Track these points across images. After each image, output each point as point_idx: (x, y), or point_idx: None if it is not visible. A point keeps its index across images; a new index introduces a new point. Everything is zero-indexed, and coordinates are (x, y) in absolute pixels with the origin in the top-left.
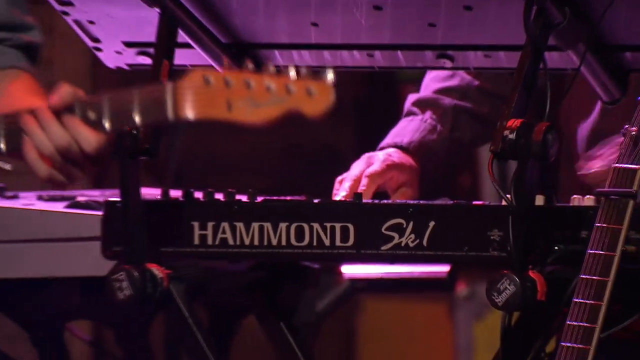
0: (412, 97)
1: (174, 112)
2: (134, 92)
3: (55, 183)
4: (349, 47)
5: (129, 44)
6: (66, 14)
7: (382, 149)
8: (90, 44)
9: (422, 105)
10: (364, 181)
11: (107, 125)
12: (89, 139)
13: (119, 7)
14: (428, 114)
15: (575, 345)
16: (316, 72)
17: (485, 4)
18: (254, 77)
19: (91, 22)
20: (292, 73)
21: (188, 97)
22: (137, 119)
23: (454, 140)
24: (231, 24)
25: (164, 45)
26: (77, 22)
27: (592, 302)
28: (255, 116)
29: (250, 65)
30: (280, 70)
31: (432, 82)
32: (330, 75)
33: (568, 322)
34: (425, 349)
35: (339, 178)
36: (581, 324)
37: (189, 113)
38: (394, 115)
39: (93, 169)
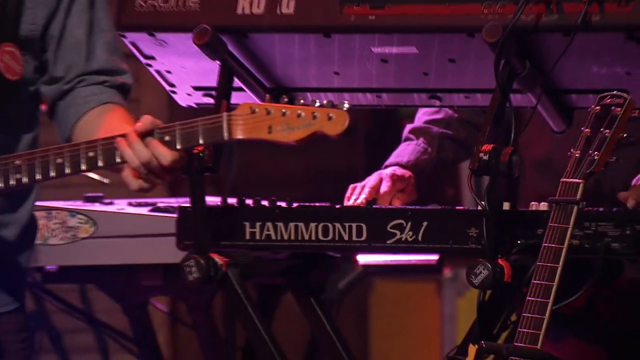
0: (408, 127)
1: (228, 134)
2: (199, 120)
3: (141, 190)
4: (363, 90)
5: (197, 88)
6: (150, 65)
7: (387, 166)
8: (167, 88)
9: (416, 132)
10: (384, 196)
11: (178, 145)
12: (165, 155)
13: (190, 60)
14: (421, 139)
15: (533, 315)
16: (335, 103)
17: (466, 58)
18: (288, 107)
19: (168, 72)
20: (317, 104)
21: (239, 123)
22: (200, 140)
23: (440, 159)
24: (274, 73)
25: (223, 89)
26: (157, 71)
27: (546, 283)
28: (289, 137)
29: (285, 99)
30: (308, 103)
31: (423, 115)
32: (345, 105)
33: (528, 298)
34: (420, 318)
35: (352, 185)
36: (537, 299)
37: (239, 135)
38: (395, 143)
39: (168, 178)
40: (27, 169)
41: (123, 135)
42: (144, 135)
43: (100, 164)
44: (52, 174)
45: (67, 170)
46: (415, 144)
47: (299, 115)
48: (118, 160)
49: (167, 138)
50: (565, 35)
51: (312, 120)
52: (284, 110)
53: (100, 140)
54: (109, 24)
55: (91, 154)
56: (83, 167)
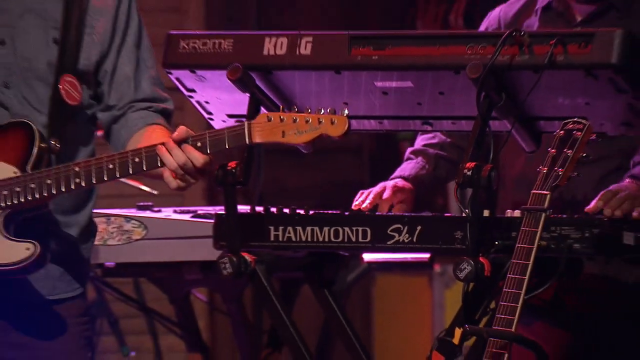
0: (410, 149)
1: (249, 139)
2: (225, 129)
3: (178, 189)
4: (367, 117)
5: (230, 116)
6: (191, 97)
7: (392, 178)
8: (206, 116)
9: (416, 153)
10: (384, 202)
11: (208, 149)
12: (198, 158)
13: (225, 93)
14: (420, 158)
15: (508, 303)
16: (336, 110)
17: (452, 91)
18: (297, 115)
19: (206, 102)
20: (322, 111)
21: (257, 129)
22: (227, 145)
23: (436, 176)
24: (294, 103)
25: (252, 116)
26: (198, 102)
27: (519, 277)
28: (299, 139)
29: (295, 108)
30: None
31: (421, 140)
32: (345, 112)
33: (504, 289)
34: (414, 306)
35: (361, 191)
36: (512, 290)
37: (258, 139)
38: (393, 160)
39: (200, 178)
40: (84, 174)
41: (163, 144)
42: (180, 142)
43: (144, 167)
44: (105, 178)
45: (117, 174)
46: (415, 162)
47: (307, 121)
48: (159, 164)
49: (199, 144)
50: (534, 72)
51: (318, 124)
52: (294, 118)
53: (144, 148)
54: (152, 62)
55: (137, 159)
56: (130, 171)
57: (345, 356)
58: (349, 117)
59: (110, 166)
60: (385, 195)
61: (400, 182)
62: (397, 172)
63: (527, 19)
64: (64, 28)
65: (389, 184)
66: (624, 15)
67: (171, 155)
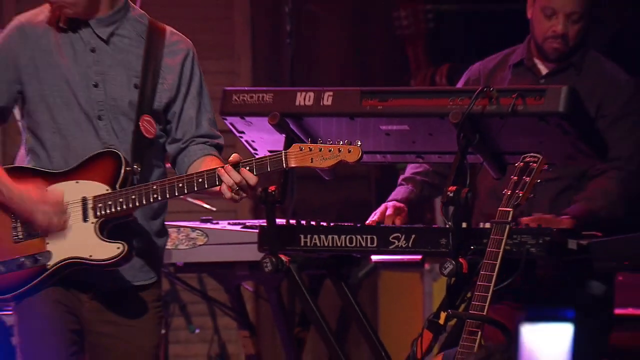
0: (401, 176)
1: (285, 164)
2: (267, 156)
3: (232, 200)
4: (374, 152)
5: (271, 151)
6: (241, 137)
7: (389, 201)
8: (252, 151)
9: (407, 180)
10: (387, 218)
11: (255, 172)
12: (250, 177)
13: (266, 134)
14: (410, 185)
15: (481, 293)
16: (352, 142)
17: (439, 132)
18: (322, 146)
19: (253, 141)
20: (341, 143)
21: (291, 157)
22: (268, 168)
23: (422, 196)
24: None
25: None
26: (246, 141)
27: (489, 273)
28: (324, 164)
29: (320, 141)
30: (335, 142)
31: (411, 169)
32: (359, 143)
33: (478, 283)
34: (410, 295)
35: (374, 212)
36: (484, 283)
37: (292, 164)
38: (394, 186)
39: (249, 194)
40: (160, 191)
41: (222, 167)
42: (235, 165)
43: (206, 185)
44: (176, 193)
45: (185, 191)
46: (406, 187)
47: (330, 150)
48: (217, 183)
49: (247, 167)
50: (501, 118)
51: (338, 153)
52: (320, 147)
53: (205, 171)
54: (210, 107)
55: (200, 179)
56: (195, 188)
57: (358, 334)
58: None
59: (180, 185)
60: (388, 212)
61: (397, 204)
62: (393, 196)
63: (501, 73)
64: (142, 77)
65: (389, 204)
66: (579, 72)
67: (229, 175)
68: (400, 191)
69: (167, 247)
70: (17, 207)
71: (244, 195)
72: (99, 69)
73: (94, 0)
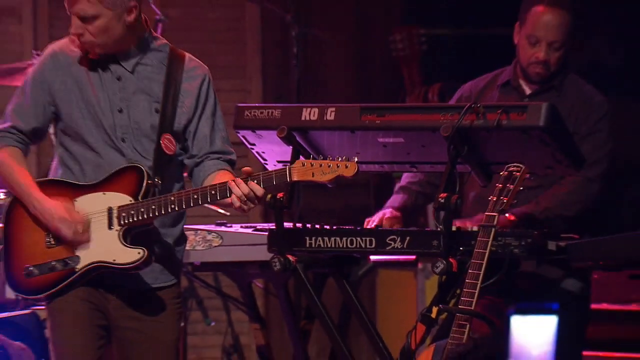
0: (397, 185)
1: (289, 178)
2: (273, 170)
3: (241, 210)
4: (372, 162)
5: (279, 161)
6: (252, 148)
7: (386, 208)
8: (262, 162)
9: (403, 189)
10: (385, 222)
11: (261, 185)
12: (257, 189)
13: (275, 146)
14: (405, 194)
15: (469, 290)
16: (349, 159)
17: (431, 144)
18: (322, 162)
19: (263, 152)
20: (339, 159)
21: (295, 171)
22: (274, 182)
23: (415, 204)
24: (322, 153)
25: (293, 162)
26: (257, 152)
27: (476, 272)
28: (324, 178)
29: (322, 157)
30: (334, 158)
31: (406, 178)
32: (355, 159)
33: (466, 280)
34: (405, 292)
35: (367, 219)
36: (472, 281)
37: (295, 178)
38: (391, 193)
39: (256, 204)
40: (177, 201)
41: (233, 180)
42: (244, 178)
43: (218, 197)
44: (192, 204)
45: (200, 202)
46: (402, 196)
47: (329, 166)
48: (228, 194)
49: (255, 180)
50: (487, 132)
51: (337, 168)
52: (320, 163)
53: (218, 184)
54: (223, 125)
55: (213, 192)
56: (208, 199)
57: (358, 327)
58: (360, 162)
59: (195, 196)
60: (387, 215)
61: (394, 212)
62: (389, 203)
63: (490, 92)
64: (163, 102)
65: (387, 211)
66: (560, 93)
67: (239, 187)
68: (396, 199)
69: (185, 248)
70: (46, 221)
71: (252, 205)
72: (123, 95)
73: (121, 41)
